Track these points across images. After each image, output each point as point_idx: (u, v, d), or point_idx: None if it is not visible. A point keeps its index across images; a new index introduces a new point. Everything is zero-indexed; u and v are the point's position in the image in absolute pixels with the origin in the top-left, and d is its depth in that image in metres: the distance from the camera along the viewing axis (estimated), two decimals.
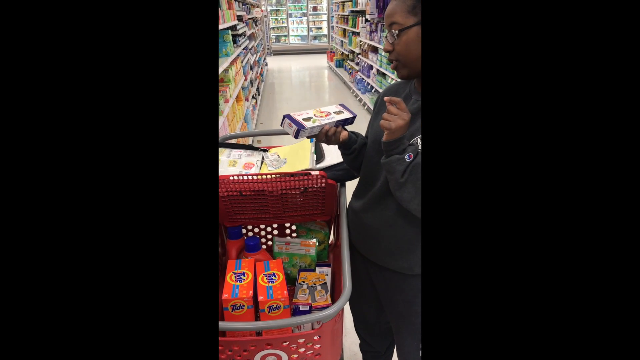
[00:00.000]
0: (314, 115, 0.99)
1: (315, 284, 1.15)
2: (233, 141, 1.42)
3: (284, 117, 0.96)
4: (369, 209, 0.98)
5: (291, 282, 1.24)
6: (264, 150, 1.32)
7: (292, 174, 1.10)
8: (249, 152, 1.31)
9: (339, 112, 1.02)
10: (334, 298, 1.13)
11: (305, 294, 1.12)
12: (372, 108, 1.04)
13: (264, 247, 1.34)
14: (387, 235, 0.95)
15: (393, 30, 0.82)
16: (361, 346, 1.32)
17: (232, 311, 0.98)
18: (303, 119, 0.96)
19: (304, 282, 1.15)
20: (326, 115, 0.99)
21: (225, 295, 0.97)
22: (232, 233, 1.24)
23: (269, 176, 1.09)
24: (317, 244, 1.24)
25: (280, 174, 1.09)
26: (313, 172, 1.10)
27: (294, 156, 1.24)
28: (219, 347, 0.81)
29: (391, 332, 1.21)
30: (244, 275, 1.05)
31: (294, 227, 1.35)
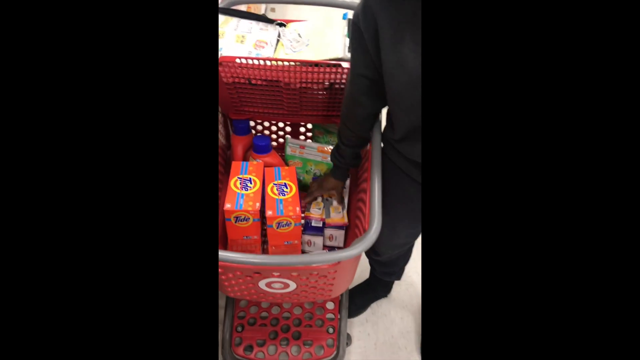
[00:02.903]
0: None
1: (330, 197, 1.01)
2: (243, 8, 1.11)
3: None
4: None
5: (303, 188, 1.10)
6: (282, 25, 1.02)
7: (316, 64, 0.85)
8: (261, 24, 1.02)
9: None
10: (350, 216, 1.00)
11: (320, 208, 0.99)
12: None
13: (274, 144, 1.16)
14: None
15: None
16: (372, 269, 1.19)
17: (235, 222, 0.86)
18: None
19: None
20: None
21: (227, 206, 0.84)
22: (239, 128, 1.05)
23: (286, 63, 0.84)
24: None
25: (301, 61, 0.84)
26: (344, 64, 0.84)
27: (321, 38, 0.96)
28: (220, 270, 0.70)
29: (410, 250, 1.10)
30: (251, 183, 0.90)
31: (309, 126, 1.15)
